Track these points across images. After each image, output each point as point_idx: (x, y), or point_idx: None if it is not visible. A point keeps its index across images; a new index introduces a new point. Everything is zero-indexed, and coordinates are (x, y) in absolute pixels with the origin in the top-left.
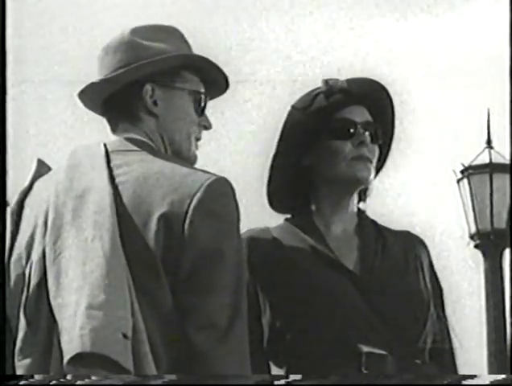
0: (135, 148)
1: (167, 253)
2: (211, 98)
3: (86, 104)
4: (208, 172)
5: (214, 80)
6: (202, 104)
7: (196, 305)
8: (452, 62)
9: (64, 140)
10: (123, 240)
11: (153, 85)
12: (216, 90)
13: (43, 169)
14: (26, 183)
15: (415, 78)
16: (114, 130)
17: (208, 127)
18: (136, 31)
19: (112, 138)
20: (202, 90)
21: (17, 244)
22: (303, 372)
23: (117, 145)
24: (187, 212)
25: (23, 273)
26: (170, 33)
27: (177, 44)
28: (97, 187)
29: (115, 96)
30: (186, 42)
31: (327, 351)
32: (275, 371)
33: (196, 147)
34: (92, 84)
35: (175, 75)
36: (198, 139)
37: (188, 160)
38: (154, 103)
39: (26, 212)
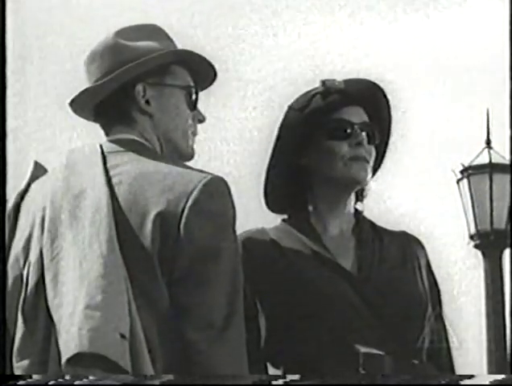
0: (131, 148)
1: (164, 252)
2: (201, 90)
3: (77, 112)
4: (203, 171)
5: (202, 72)
6: (194, 98)
7: (193, 304)
8: (451, 61)
9: (63, 142)
10: (120, 240)
11: (144, 85)
12: (205, 81)
13: (39, 171)
14: (23, 186)
15: (414, 78)
16: (108, 134)
17: (201, 120)
18: (119, 34)
19: (107, 140)
20: (192, 84)
21: (14, 246)
22: (300, 373)
23: (113, 146)
24: (183, 211)
25: (21, 275)
26: (152, 31)
27: (161, 41)
28: (94, 188)
29: (107, 100)
30: (169, 38)
31: (324, 351)
32: (272, 371)
33: (193, 142)
34: (84, 91)
35: (164, 73)
36: (194, 134)
37: (186, 156)
38: (147, 102)
39: (23, 214)
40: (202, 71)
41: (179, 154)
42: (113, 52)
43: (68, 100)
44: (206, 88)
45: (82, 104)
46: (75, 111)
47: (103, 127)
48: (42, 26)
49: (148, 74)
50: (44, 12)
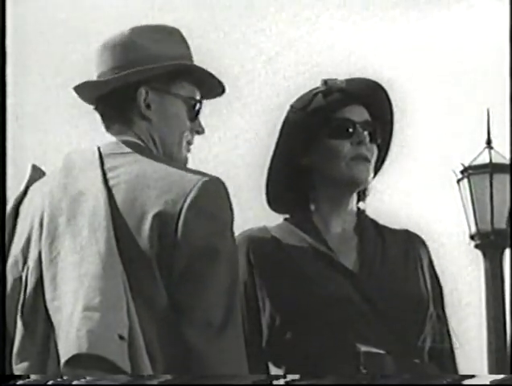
0: (128, 150)
1: (162, 253)
2: (207, 99)
3: (81, 96)
4: (201, 172)
5: (210, 86)
6: (196, 110)
7: (191, 304)
8: (451, 61)
9: (63, 144)
10: (118, 242)
11: (147, 88)
12: (212, 94)
13: (37, 174)
14: (21, 189)
15: (415, 77)
16: (108, 128)
17: (200, 132)
18: (135, 31)
19: (105, 140)
20: (197, 97)
21: (13, 249)
22: (301, 372)
23: (111, 148)
24: (180, 212)
25: (20, 277)
26: (169, 34)
27: (176, 45)
28: (92, 190)
29: (109, 96)
30: (186, 43)
31: (326, 350)
32: (274, 371)
33: (188, 151)
34: (88, 82)
35: (170, 81)
36: (189, 143)
37: (179, 162)
38: (148, 106)
39: (22, 217)
40: (209, 87)
41: (173, 160)
42: (125, 49)
43: (73, 86)
44: (213, 98)
45: (86, 93)
46: (79, 95)
47: (102, 117)
48: (43, 24)
49: (154, 79)
50: (45, 11)
